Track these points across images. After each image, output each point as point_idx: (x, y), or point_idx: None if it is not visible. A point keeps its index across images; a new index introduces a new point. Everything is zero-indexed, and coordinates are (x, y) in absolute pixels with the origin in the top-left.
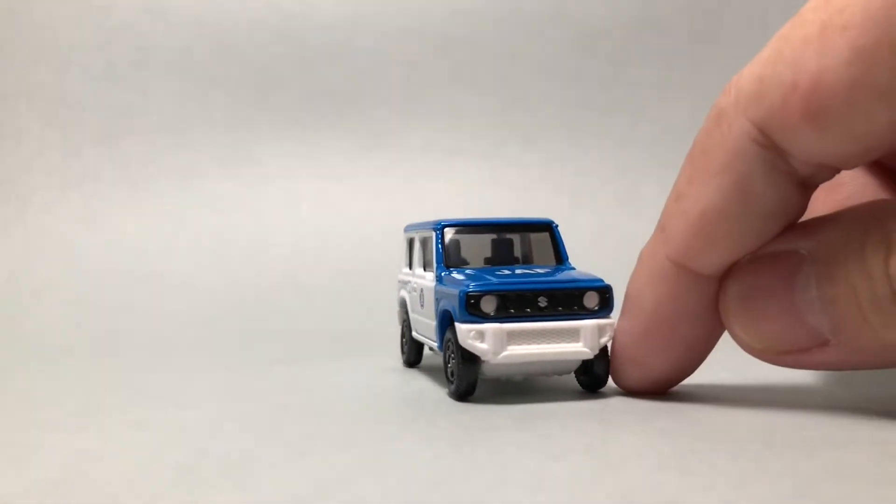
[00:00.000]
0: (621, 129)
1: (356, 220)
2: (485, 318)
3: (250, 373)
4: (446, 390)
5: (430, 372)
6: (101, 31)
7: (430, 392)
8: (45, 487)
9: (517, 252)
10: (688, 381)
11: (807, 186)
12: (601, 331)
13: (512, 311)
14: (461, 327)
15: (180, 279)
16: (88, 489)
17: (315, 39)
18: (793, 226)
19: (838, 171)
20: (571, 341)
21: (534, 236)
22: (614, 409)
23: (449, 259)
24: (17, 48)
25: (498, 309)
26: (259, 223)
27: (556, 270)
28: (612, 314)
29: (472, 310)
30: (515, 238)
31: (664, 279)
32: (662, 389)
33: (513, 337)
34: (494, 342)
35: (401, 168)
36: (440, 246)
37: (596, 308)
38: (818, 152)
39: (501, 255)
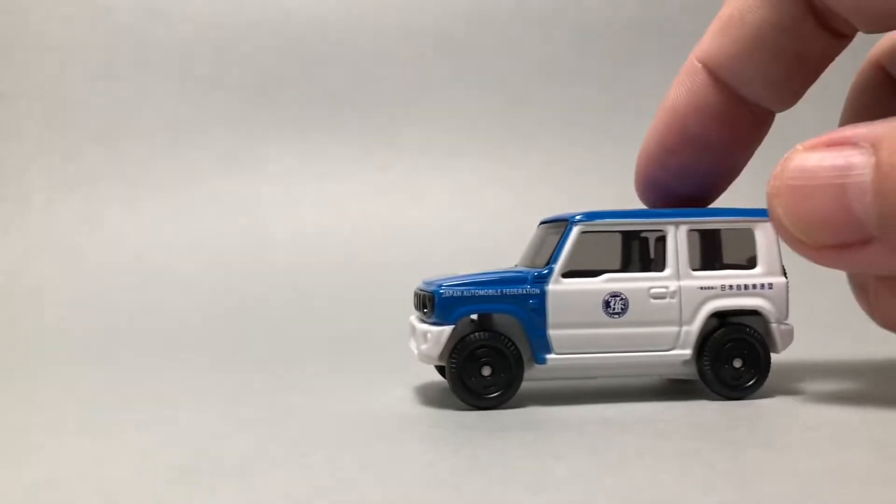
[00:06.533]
0: (621, 129)
1: (356, 220)
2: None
3: (250, 373)
4: (449, 391)
5: (432, 372)
6: (101, 32)
7: (432, 393)
8: (45, 488)
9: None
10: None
11: (835, 33)
12: (423, 337)
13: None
14: None
15: (180, 279)
16: (88, 490)
17: (315, 39)
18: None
19: (857, 28)
20: (420, 343)
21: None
22: (615, 410)
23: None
24: (17, 48)
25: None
26: (259, 223)
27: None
28: (441, 324)
29: None
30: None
31: (687, 76)
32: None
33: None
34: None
35: (401, 168)
36: None
37: (428, 314)
38: None
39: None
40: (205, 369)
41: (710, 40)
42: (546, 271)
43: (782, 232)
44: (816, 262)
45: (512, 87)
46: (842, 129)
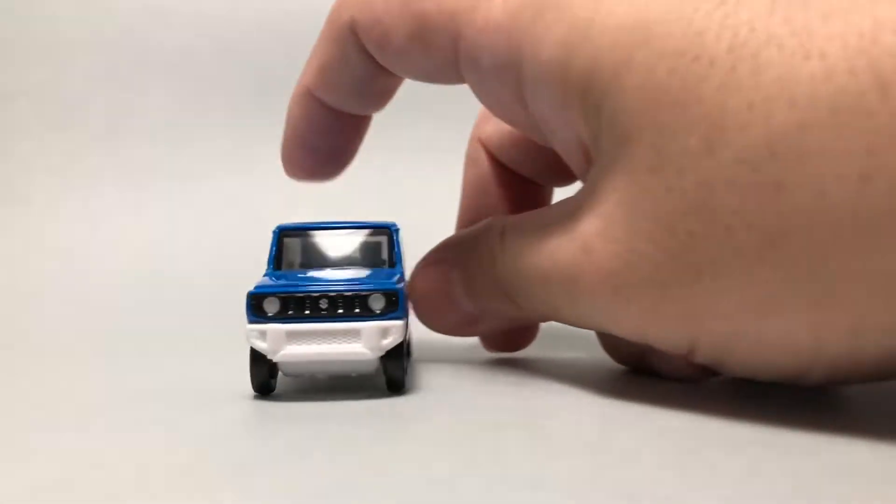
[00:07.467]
0: None
1: (355, 219)
2: (267, 318)
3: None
4: (449, 388)
5: (432, 371)
6: (101, 31)
7: (430, 391)
8: (44, 488)
9: (356, 254)
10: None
11: (392, 75)
12: (384, 333)
13: (292, 312)
14: (246, 326)
15: (180, 279)
16: (88, 490)
17: (315, 39)
18: (446, 239)
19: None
20: (352, 342)
21: (371, 240)
22: (614, 408)
23: (280, 262)
24: (17, 48)
25: (280, 310)
26: (259, 223)
27: (372, 273)
28: (402, 318)
29: (256, 311)
30: (354, 240)
31: (301, 100)
32: (318, 178)
33: (292, 337)
34: (272, 342)
35: (399, 168)
36: (273, 248)
37: (380, 311)
38: (388, 65)
39: (335, 258)
40: (205, 369)
41: (310, 75)
42: (399, 271)
43: (426, 326)
44: (451, 335)
45: None
46: (439, 251)
